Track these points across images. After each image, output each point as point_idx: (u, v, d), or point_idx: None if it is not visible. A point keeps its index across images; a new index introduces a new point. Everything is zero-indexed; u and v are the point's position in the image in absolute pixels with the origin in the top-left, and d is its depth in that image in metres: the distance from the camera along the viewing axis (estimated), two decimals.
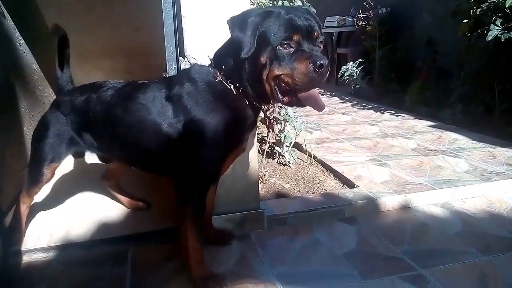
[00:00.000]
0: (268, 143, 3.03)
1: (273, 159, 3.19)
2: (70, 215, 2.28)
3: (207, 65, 1.63)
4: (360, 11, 6.43)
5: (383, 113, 5.03)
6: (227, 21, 1.48)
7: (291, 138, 3.09)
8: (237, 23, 1.46)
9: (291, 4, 2.96)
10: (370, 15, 6.22)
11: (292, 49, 1.40)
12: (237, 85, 1.54)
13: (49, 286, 1.75)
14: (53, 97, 2.97)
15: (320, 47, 1.47)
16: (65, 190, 2.59)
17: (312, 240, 2.09)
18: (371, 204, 2.40)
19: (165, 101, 1.61)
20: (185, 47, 1.93)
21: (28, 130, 2.51)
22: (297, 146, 3.42)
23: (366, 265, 1.85)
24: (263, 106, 1.69)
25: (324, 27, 7.47)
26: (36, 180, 1.90)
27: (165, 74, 1.96)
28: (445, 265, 1.83)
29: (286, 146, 3.12)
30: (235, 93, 1.54)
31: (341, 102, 5.86)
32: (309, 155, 3.19)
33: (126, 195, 2.36)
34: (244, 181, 2.11)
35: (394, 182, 2.69)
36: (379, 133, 4.05)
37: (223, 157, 1.61)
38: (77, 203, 2.45)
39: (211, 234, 1.99)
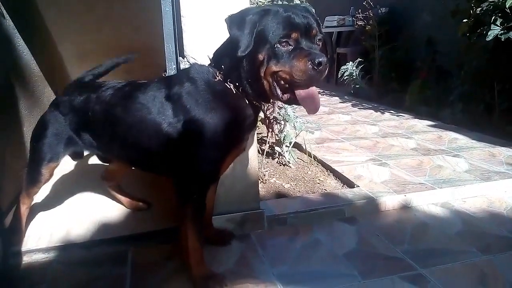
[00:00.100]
0: (268, 143, 3.03)
1: (273, 159, 3.19)
2: (70, 216, 2.28)
3: (207, 65, 1.63)
4: (360, 10, 6.43)
5: (383, 112, 5.03)
6: (225, 19, 1.48)
7: (291, 138, 3.09)
8: (235, 21, 1.46)
9: (290, 3, 2.96)
10: (370, 15, 6.22)
11: (290, 47, 1.40)
12: (237, 84, 1.54)
13: (49, 287, 1.75)
14: (52, 97, 2.98)
15: (319, 45, 1.47)
16: (65, 190, 2.59)
17: (312, 240, 2.09)
18: (371, 204, 2.40)
19: (165, 101, 1.61)
20: (184, 47, 1.93)
21: (28, 130, 2.51)
22: (297, 146, 3.42)
23: (366, 265, 1.85)
24: (263, 105, 1.69)
25: (323, 26, 7.46)
26: (34, 180, 1.90)
27: (165, 74, 1.96)
28: (445, 265, 1.83)
29: (286, 146, 3.12)
30: (234, 92, 1.54)
31: (340, 102, 5.85)
32: (309, 155, 3.19)
33: (126, 195, 2.35)
34: (244, 181, 2.11)
35: (394, 181, 2.69)
36: (379, 132, 4.04)
37: (222, 157, 1.61)
38: (77, 203, 2.45)
39: (211, 234, 1.99)
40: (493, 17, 3.76)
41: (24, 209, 1.99)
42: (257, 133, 2.26)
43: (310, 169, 3.04)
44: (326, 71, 1.39)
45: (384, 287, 1.69)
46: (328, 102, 5.82)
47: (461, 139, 3.71)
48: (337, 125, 4.41)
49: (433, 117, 4.58)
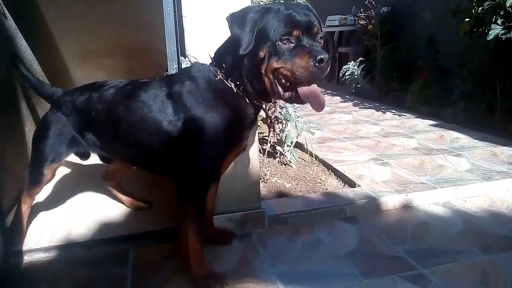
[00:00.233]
0: (270, 142, 3.03)
1: (274, 158, 3.19)
2: (72, 215, 2.28)
3: (208, 64, 1.63)
4: (361, 10, 6.43)
5: (385, 112, 5.02)
6: (226, 17, 1.48)
7: (292, 138, 3.09)
8: (236, 19, 1.46)
9: (291, 1, 2.96)
10: (371, 14, 6.22)
11: (292, 44, 1.40)
12: (238, 83, 1.54)
13: (50, 286, 1.75)
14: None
15: (320, 42, 1.47)
16: (67, 190, 2.59)
17: (313, 240, 2.08)
18: (372, 204, 2.40)
19: (166, 99, 1.62)
20: (186, 47, 1.93)
21: (29, 130, 2.52)
22: (298, 145, 3.42)
23: (367, 264, 1.84)
24: (263, 105, 1.69)
25: (325, 26, 7.46)
26: (36, 181, 1.91)
27: (167, 74, 1.96)
28: (446, 264, 1.83)
29: (287, 145, 3.12)
30: (235, 91, 1.54)
31: (342, 102, 5.85)
32: (311, 154, 3.19)
33: (127, 195, 2.36)
34: (245, 180, 2.11)
35: (395, 181, 2.69)
36: (381, 132, 4.04)
37: (222, 155, 1.61)
38: (78, 203, 2.46)
39: (212, 234, 1.99)
40: (494, 16, 3.76)
41: (25, 209, 2.00)
42: (258, 133, 2.26)
43: (312, 169, 3.04)
44: (328, 69, 1.39)
45: (385, 286, 1.69)
46: (329, 102, 5.81)
47: (463, 139, 3.70)
48: (339, 125, 4.40)
49: (434, 116, 4.58)
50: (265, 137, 3.09)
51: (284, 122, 3.02)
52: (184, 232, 1.65)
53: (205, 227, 1.84)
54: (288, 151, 3.11)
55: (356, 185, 2.64)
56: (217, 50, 1.63)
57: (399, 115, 4.82)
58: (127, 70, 3.52)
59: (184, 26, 1.92)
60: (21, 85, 2.46)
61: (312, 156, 3.18)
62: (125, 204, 2.35)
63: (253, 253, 1.95)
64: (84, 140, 1.87)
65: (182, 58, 1.94)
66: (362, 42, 6.67)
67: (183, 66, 1.90)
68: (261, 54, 1.42)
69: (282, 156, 3.15)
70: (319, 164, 3.14)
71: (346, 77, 6.11)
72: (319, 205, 2.33)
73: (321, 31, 1.48)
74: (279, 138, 3.10)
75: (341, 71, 6.21)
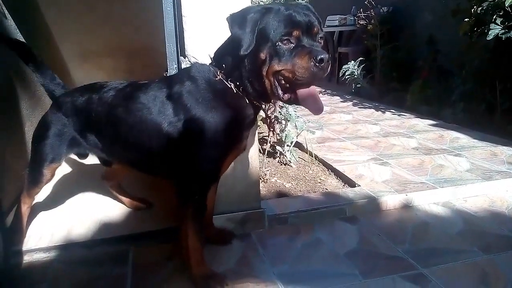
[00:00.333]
0: (269, 142, 3.03)
1: (274, 158, 3.19)
2: (71, 215, 2.28)
3: (208, 64, 1.63)
4: (361, 10, 6.43)
5: (384, 112, 5.02)
6: (226, 18, 1.48)
7: (292, 138, 3.09)
8: (237, 20, 1.46)
9: (291, 2, 2.96)
10: (371, 14, 6.22)
11: (292, 44, 1.40)
12: (237, 83, 1.53)
13: (50, 286, 1.75)
14: None
15: (321, 42, 1.47)
16: (66, 190, 2.59)
17: (313, 239, 2.08)
18: (372, 203, 2.40)
19: (166, 100, 1.61)
20: (185, 47, 1.93)
21: (29, 130, 2.52)
22: (298, 145, 3.42)
23: (367, 264, 1.84)
24: (263, 105, 1.69)
25: (325, 26, 7.46)
26: (36, 181, 1.90)
27: (166, 74, 1.96)
28: (446, 264, 1.83)
29: (287, 145, 3.12)
30: (235, 91, 1.54)
31: (342, 101, 5.85)
32: (310, 154, 3.19)
33: (127, 195, 2.36)
34: (245, 180, 2.11)
35: (395, 181, 2.69)
36: (380, 132, 4.04)
37: (222, 156, 1.61)
38: (78, 203, 2.46)
39: (212, 234, 1.99)
40: (494, 16, 3.76)
41: (25, 209, 1.99)
42: (258, 133, 2.26)
43: (311, 169, 3.04)
44: (329, 68, 1.39)
45: (385, 286, 1.69)
46: (329, 102, 5.82)
47: (463, 139, 3.70)
48: (339, 125, 4.40)
49: (434, 116, 4.58)
50: (265, 137, 3.09)
51: (284, 122, 3.02)
52: (184, 232, 1.65)
53: (205, 227, 1.84)
54: (288, 151, 3.11)
55: (356, 185, 2.64)
56: (217, 50, 1.63)
57: (399, 115, 4.83)
58: (127, 70, 3.53)
59: (184, 26, 1.92)
60: (21, 85, 2.47)
61: (312, 156, 3.18)
62: (125, 204, 2.35)
63: (253, 253, 1.95)
64: (85, 141, 1.87)
65: (182, 58, 1.94)
66: (362, 42, 6.67)
67: (183, 66, 1.90)
68: (262, 55, 1.42)
69: (282, 156, 3.15)
70: (319, 164, 3.15)
71: (346, 77, 6.11)
72: (319, 205, 2.33)
73: (321, 31, 1.48)
74: (279, 138, 3.10)
75: (341, 71, 6.21)
